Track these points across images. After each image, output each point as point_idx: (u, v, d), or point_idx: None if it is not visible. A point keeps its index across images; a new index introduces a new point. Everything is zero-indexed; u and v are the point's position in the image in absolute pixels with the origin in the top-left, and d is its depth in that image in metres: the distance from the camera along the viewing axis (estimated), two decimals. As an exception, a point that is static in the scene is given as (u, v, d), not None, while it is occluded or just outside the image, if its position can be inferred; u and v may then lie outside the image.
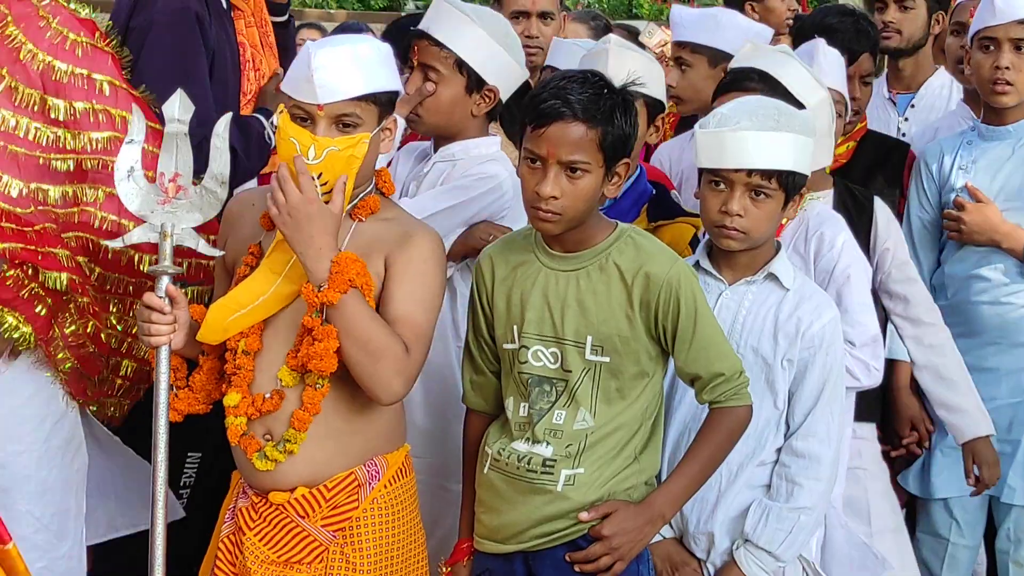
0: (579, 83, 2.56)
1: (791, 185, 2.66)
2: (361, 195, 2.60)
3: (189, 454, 3.31)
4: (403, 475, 2.69)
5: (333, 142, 2.50)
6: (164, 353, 2.58)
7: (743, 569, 2.70)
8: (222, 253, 2.73)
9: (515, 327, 2.61)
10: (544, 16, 4.05)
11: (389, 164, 3.20)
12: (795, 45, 3.77)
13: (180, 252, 2.68)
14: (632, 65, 3.08)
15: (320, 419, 2.54)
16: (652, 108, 3.09)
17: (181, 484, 3.34)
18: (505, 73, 3.19)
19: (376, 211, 2.63)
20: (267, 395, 2.57)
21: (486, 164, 3.21)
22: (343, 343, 2.46)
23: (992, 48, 3.36)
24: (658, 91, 3.17)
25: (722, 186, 2.63)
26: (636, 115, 2.58)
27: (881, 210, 3.31)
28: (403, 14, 14.83)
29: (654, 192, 3.19)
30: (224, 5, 3.40)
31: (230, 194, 2.98)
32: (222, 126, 2.72)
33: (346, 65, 2.56)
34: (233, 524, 2.71)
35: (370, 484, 2.64)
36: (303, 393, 2.54)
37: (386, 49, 2.71)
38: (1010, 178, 3.41)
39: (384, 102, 2.60)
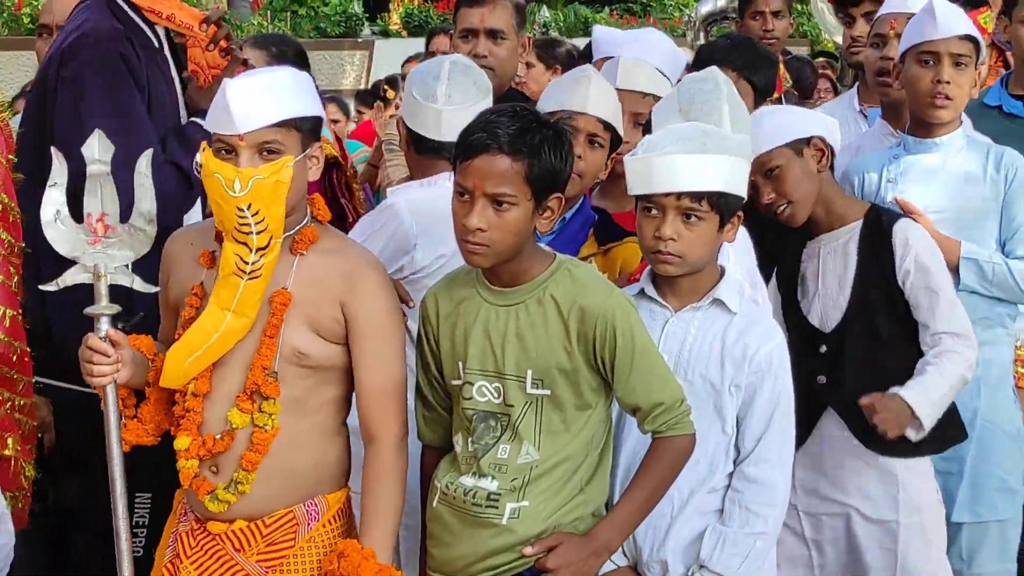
0: (508, 117, 2.57)
1: (725, 207, 2.66)
2: (297, 227, 2.59)
3: (138, 495, 3.29)
4: (342, 516, 2.71)
5: (257, 171, 2.49)
6: (111, 392, 2.60)
7: None
8: (158, 289, 2.73)
9: (460, 363, 2.62)
10: (493, 35, 3.96)
11: None
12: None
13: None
14: (610, 96, 3.19)
15: (267, 458, 2.56)
16: (615, 144, 3.11)
17: (134, 524, 3.25)
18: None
19: (316, 241, 2.62)
20: (217, 436, 2.59)
21: (390, 195, 3.27)
22: None
23: (931, 63, 3.40)
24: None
25: (655, 211, 2.64)
26: (568, 149, 2.59)
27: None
28: (359, 39, 14.89)
29: (596, 217, 3.21)
30: (156, 43, 3.48)
31: (203, 205, 3.08)
32: (143, 163, 2.73)
33: (263, 93, 2.58)
34: (173, 550, 2.73)
35: (309, 524, 2.67)
36: (252, 434, 2.55)
37: (304, 77, 2.72)
38: (941, 191, 3.43)
39: (306, 129, 2.61)
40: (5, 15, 13.13)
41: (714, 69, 3.21)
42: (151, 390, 2.74)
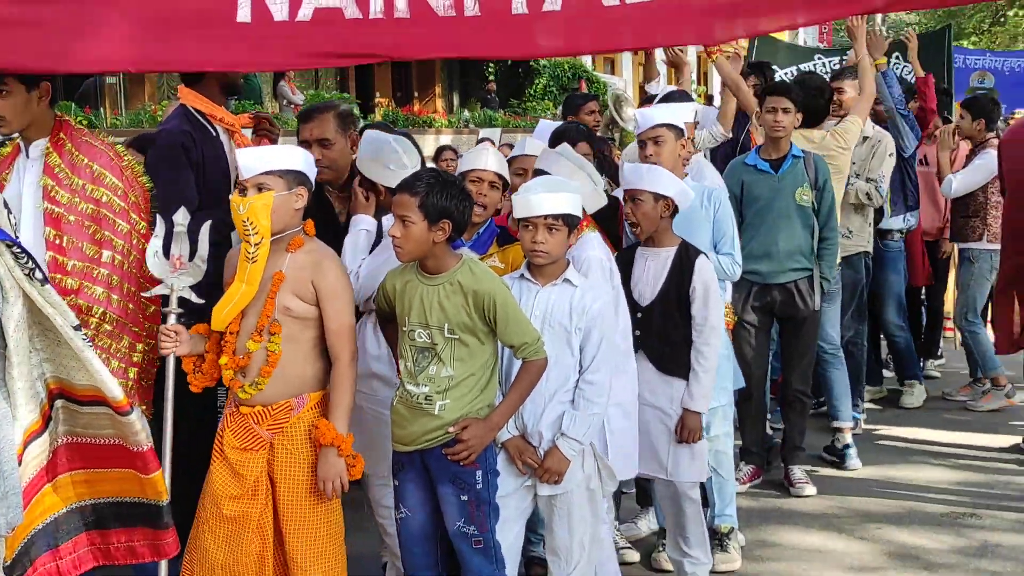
0: (422, 174, 3.37)
1: (571, 223, 3.51)
2: (289, 234, 3.34)
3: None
4: (319, 406, 3.40)
5: (251, 199, 3.23)
6: (171, 359, 3.38)
7: (562, 451, 3.50)
8: (203, 302, 3.44)
9: (406, 317, 3.36)
10: (322, 143, 4.18)
11: None
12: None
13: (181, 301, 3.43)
14: (501, 159, 4.05)
15: (275, 369, 3.31)
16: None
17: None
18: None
19: (301, 245, 3.36)
20: (240, 356, 3.35)
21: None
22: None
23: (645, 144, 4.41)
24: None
25: (530, 227, 3.46)
26: (457, 194, 3.29)
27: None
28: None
29: (499, 231, 4.03)
30: (213, 132, 4.19)
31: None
32: (180, 215, 3.45)
33: (262, 156, 3.31)
34: (220, 425, 3.44)
35: (299, 408, 3.37)
36: (266, 356, 3.31)
37: (294, 149, 3.43)
38: (683, 214, 4.30)
39: (289, 177, 3.31)
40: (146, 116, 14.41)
41: (565, 146, 4.12)
42: (207, 354, 3.39)
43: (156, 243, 3.38)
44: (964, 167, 7.11)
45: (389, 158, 3.84)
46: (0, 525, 2.51)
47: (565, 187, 3.60)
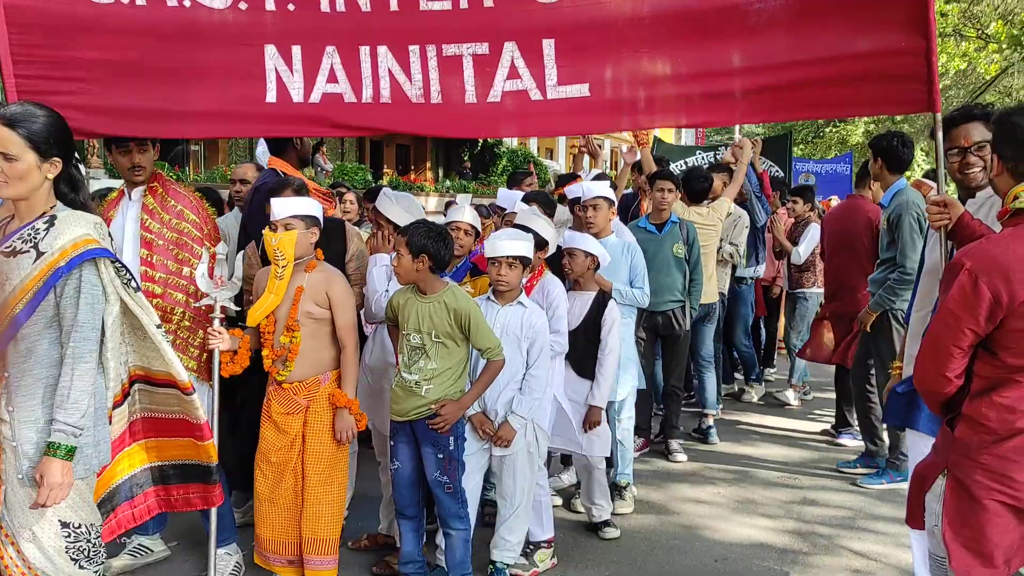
0: (416, 222, 3.36)
1: (526, 263, 3.54)
2: (307, 259, 3.32)
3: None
4: (335, 382, 3.38)
5: (280, 235, 3.25)
6: (216, 353, 3.32)
7: (511, 424, 3.50)
8: (239, 309, 3.40)
9: (405, 325, 3.36)
10: (244, 182, 4.39)
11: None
12: None
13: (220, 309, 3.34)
14: (474, 214, 4.01)
15: (300, 354, 3.30)
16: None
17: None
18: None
19: (315, 268, 3.34)
20: (278, 348, 3.32)
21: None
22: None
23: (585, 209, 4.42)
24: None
25: (496, 263, 3.48)
26: (440, 239, 3.26)
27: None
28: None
29: (472, 265, 3.99)
30: None
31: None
32: (221, 247, 3.39)
33: (289, 204, 3.29)
34: (266, 400, 3.41)
35: (323, 383, 3.36)
36: (292, 345, 3.29)
37: (310, 201, 3.34)
38: (612, 260, 4.42)
39: (308, 220, 3.30)
40: (219, 173, 14.15)
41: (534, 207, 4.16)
42: (241, 349, 3.36)
43: (202, 267, 3.33)
44: (789, 233, 7.20)
45: (411, 207, 3.85)
46: (94, 464, 2.44)
47: (521, 237, 3.59)
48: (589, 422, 4.03)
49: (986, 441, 2.16)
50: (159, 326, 2.68)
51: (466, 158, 24.89)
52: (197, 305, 3.38)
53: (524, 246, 3.53)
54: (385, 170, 23.25)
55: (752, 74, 3.10)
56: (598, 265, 4.12)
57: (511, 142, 24.67)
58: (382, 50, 3.36)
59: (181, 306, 3.43)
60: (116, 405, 2.68)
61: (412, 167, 25.20)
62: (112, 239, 2.68)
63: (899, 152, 4.82)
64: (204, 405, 2.98)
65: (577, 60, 3.25)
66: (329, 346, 3.37)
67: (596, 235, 4.35)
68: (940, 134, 2.86)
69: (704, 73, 3.16)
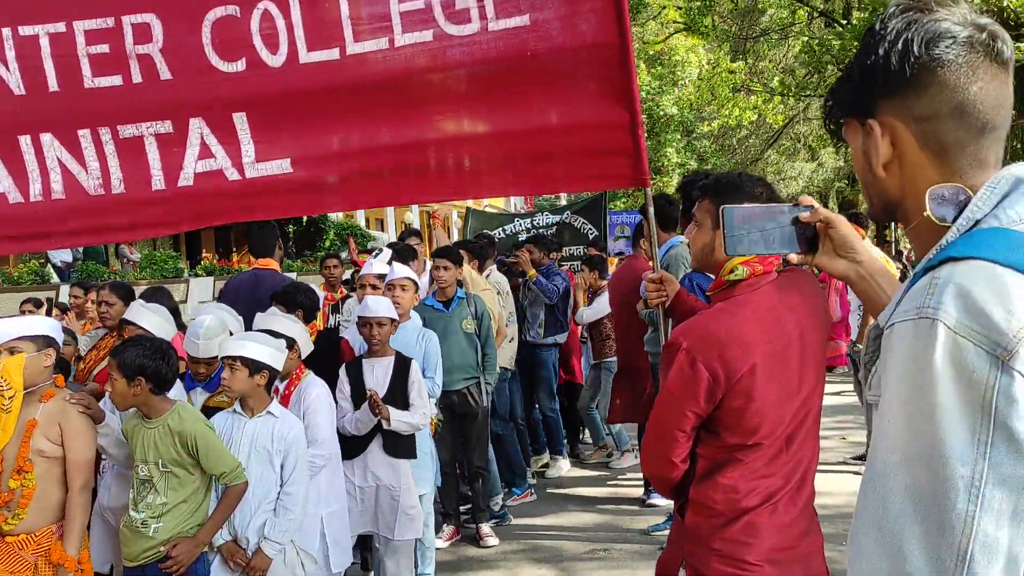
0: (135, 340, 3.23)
1: (250, 365, 3.24)
2: (41, 387, 3.04)
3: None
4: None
5: (3, 361, 2.93)
6: None
7: (265, 551, 3.25)
8: None
9: (134, 455, 3.08)
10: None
11: None
12: None
13: None
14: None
15: (33, 499, 3.00)
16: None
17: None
18: None
19: (51, 396, 3.07)
20: (5, 492, 2.99)
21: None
22: None
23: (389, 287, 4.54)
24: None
25: (226, 367, 3.27)
26: (151, 356, 3.05)
27: None
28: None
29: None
30: None
31: None
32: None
33: (8, 324, 3.08)
34: None
35: (56, 534, 3.06)
36: (24, 490, 2.97)
37: (48, 320, 3.27)
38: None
39: (40, 341, 3.06)
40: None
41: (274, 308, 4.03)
42: None
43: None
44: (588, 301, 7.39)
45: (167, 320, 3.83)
46: None
47: (254, 339, 3.37)
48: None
49: (715, 525, 2.11)
50: None
51: (291, 236, 24.26)
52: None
53: (254, 349, 3.28)
54: (204, 255, 22.22)
55: (446, 148, 2.97)
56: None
57: (336, 216, 24.34)
58: (46, 138, 3.06)
59: None
60: None
61: (234, 248, 24.27)
62: None
63: (667, 211, 5.05)
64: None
65: (276, 134, 3.03)
66: (63, 488, 3.08)
67: (400, 316, 4.32)
68: (652, 209, 2.91)
69: (405, 145, 2.99)
